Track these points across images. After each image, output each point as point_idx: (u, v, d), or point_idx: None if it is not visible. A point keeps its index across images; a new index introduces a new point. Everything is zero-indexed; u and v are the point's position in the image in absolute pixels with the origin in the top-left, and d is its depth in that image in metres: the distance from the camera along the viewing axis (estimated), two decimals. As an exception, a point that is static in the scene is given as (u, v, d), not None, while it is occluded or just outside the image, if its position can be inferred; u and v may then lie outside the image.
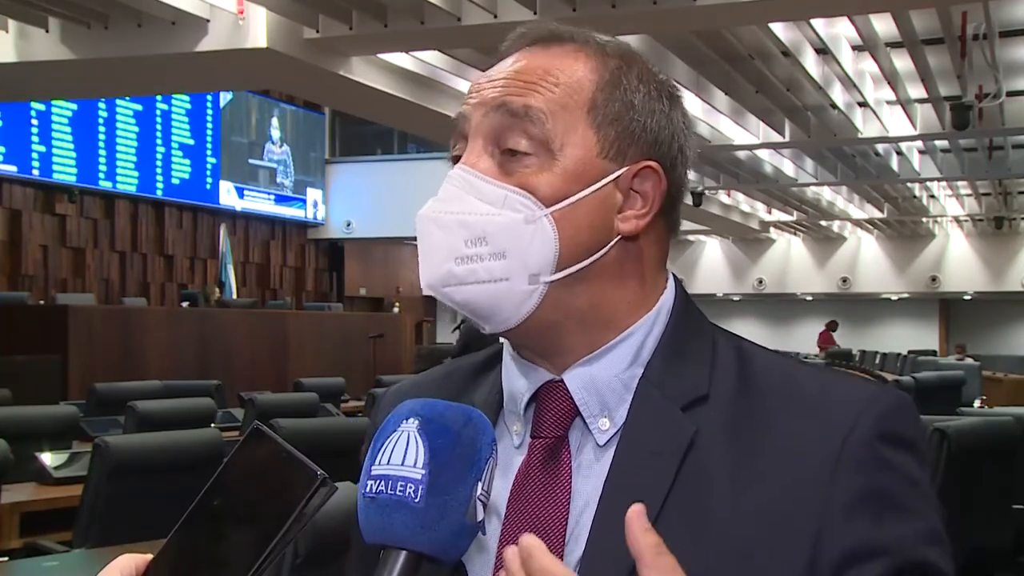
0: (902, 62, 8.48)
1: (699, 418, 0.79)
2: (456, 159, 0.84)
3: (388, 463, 0.70)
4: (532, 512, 0.80)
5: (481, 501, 0.70)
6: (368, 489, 0.70)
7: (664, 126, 0.84)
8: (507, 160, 0.80)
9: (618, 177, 0.81)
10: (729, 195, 15.65)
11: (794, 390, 0.80)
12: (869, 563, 0.74)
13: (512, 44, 0.86)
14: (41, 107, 11.99)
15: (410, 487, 0.69)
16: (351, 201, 17.07)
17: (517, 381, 0.84)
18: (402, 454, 0.70)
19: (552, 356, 0.83)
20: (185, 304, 11.80)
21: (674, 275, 0.88)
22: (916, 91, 9.29)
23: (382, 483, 0.70)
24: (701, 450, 0.77)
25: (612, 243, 0.81)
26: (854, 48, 8.40)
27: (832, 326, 19.76)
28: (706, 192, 13.86)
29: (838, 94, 9.09)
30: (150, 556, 0.72)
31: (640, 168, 0.82)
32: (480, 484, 0.70)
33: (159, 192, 13.87)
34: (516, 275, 0.79)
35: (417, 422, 0.71)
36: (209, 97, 14.56)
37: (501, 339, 0.86)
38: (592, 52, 0.84)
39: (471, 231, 0.79)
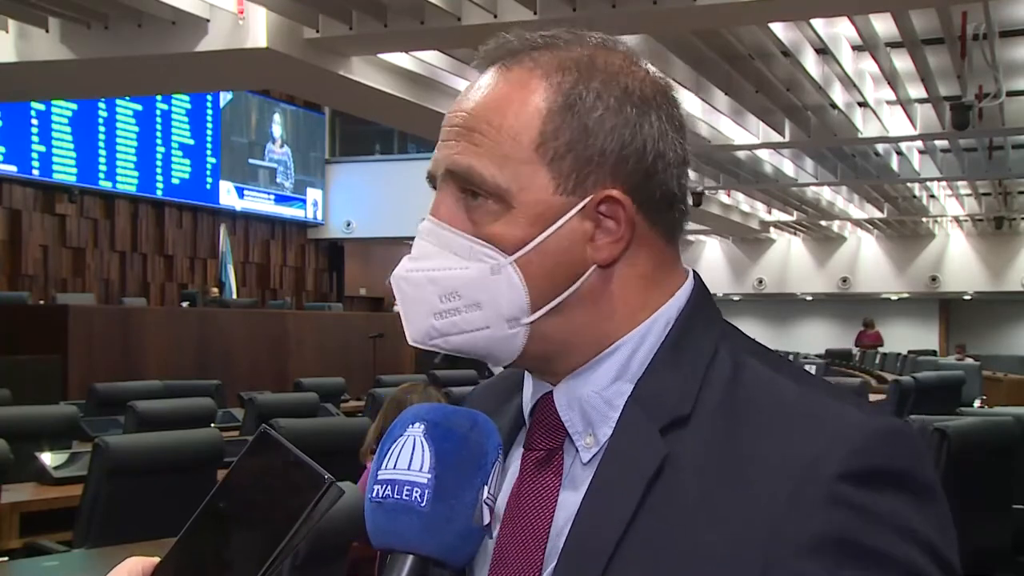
0: (902, 62, 8.48)
1: (675, 441, 0.75)
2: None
3: (395, 467, 0.70)
4: (521, 521, 0.79)
5: (487, 505, 0.71)
6: (375, 493, 0.71)
7: (629, 141, 0.79)
8: (472, 206, 0.80)
9: (583, 208, 0.78)
10: (729, 195, 15.66)
11: (774, 414, 0.74)
12: None
13: (478, 63, 0.85)
14: (41, 107, 11.99)
15: (416, 491, 0.69)
16: (351, 201, 17.08)
17: (528, 391, 0.85)
18: (408, 458, 0.70)
19: (554, 373, 0.82)
20: (185, 304, 11.81)
21: (695, 274, 0.85)
22: (916, 91, 9.29)
23: (388, 487, 0.70)
24: (671, 475, 0.74)
25: (588, 273, 0.79)
26: (854, 48, 8.40)
27: (869, 323, 19.52)
28: (706, 192, 13.87)
29: (838, 94, 9.09)
30: (157, 559, 0.72)
31: (603, 197, 0.79)
32: (486, 488, 0.70)
33: (159, 192, 13.87)
34: (494, 323, 0.79)
35: (423, 426, 0.71)
36: (209, 97, 14.56)
37: None
38: (546, 71, 0.80)
39: (442, 287, 0.79)
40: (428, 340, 0.80)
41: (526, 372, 0.86)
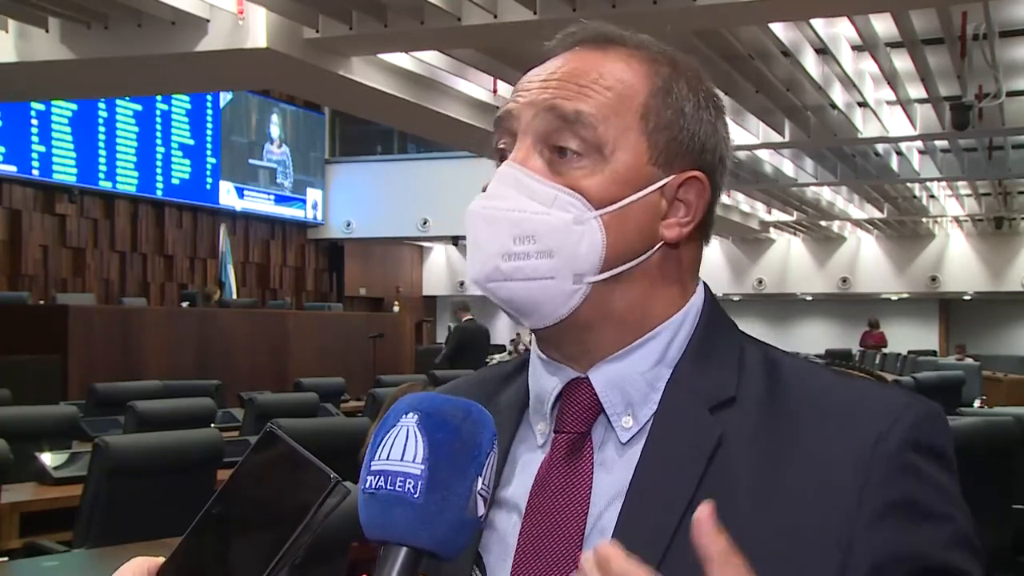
0: (902, 62, 8.48)
1: (726, 421, 0.79)
2: (499, 152, 0.84)
3: (387, 458, 0.70)
4: (553, 506, 0.80)
5: (481, 496, 0.70)
6: (368, 485, 0.70)
7: (710, 135, 0.84)
8: (557, 159, 0.81)
9: (664, 185, 0.82)
10: (729, 195, 15.64)
11: (823, 397, 0.80)
12: (896, 569, 0.74)
13: (560, 43, 0.86)
14: (41, 107, 11.99)
15: (409, 482, 0.68)
16: (351, 201, 17.07)
17: (544, 380, 0.85)
18: (401, 449, 0.69)
19: (580, 356, 0.83)
20: (185, 304, 11.81)
21: (703, 280, 0.89)
22: (916, 91, 9.29)
23: (381, 478, 0.69)
24: (728, 453, 0.78)
25: (655, 248, 0.82)
26: (854, 48, 8.40)
27: (875, 323, 19.45)
28: (706, 192, 13.83)
29: (838, 94, 9.09)
30: (161, 559, 0.72)
31: (687, 178, 0.83)
32: (480, 479, 0.70)
33: (159, 192, 13.88)
34: (561, 274, 0.80)
35: (416, 416, 0.71)
36: (209, 97, 14.56)
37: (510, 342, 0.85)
38: (644, 58, 0.85)
39: (520, 229, 0.80)
40: (488, 282, 0.81)
41: (532, 364, 0.87)
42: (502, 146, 0.84)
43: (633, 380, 0.82)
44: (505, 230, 0.80)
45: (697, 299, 0.86)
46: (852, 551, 0.74)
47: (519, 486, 0.82)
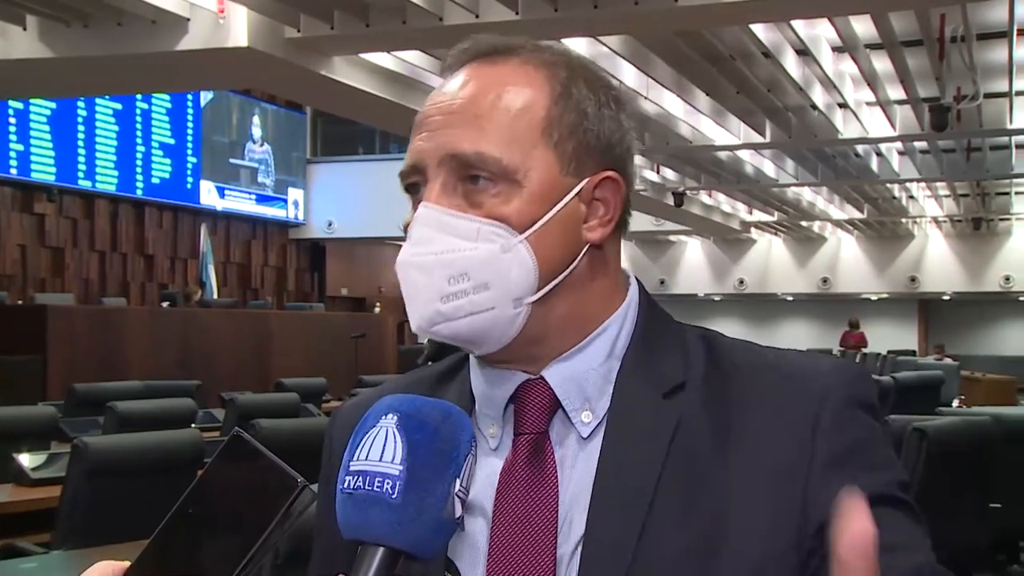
0: (881, 63, 8.54)
1: (680, 404, 0.83)
2: (410, 187, 0.85)
3: (366, 458, 0.70)
4: (521, 506, 0.81)
5: (459, 498, 0.70)
6: (346, 485, 0.70)
7: (615, 131, 0.86)
8: (472, 188, 0.82)
9: (581, 190, 0.84)
10: (710, 195, 15.70)
11: (763, 367, 0.85)
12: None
13: (455, 60, 0.87)
14: (19, 105, 11.90)
15: (387, 483, 0.68)
16: (333, 201, 17.03)
17: (491, 384, 0.86)
18: (380, 449, 0.70)
19: (530, 362, 0.85)
20: (165, 304, 11.75)
21: (631, 273, 0.92)
22: (895, 92, 9.36)
23: (360, 479, 0.69)
24: (686, 434, 0.82)
25: (583, 253, 0.84)
26: (834, 49, 8.45)
27: (855, 323, 19.51)
28: (687, 192, 13.91)
29: (818, 95, 9.14)
30: (127, 564, 0.71)
31: (601, 179, 0.84)
32: (459, 480, 0.70)
33: (139, 192, 13.80)
34: (501, 303, 0.81)
35: (396, 417, 0.71)
36: (190, 96, 14.49)
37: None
38: (539, 65, 0.85)
39: (452, 268, 0.81)
40: (431, 326, 0.82)
41: (473, 368, 0.88)
42: (411, 181, 0.85)
43: (588, 375, 0.84)
44: (438, 273, 0.81)
45: (634, 292, 0.89)
46: (810, 500, 0.78)
47: (480, 490, 0.82)
